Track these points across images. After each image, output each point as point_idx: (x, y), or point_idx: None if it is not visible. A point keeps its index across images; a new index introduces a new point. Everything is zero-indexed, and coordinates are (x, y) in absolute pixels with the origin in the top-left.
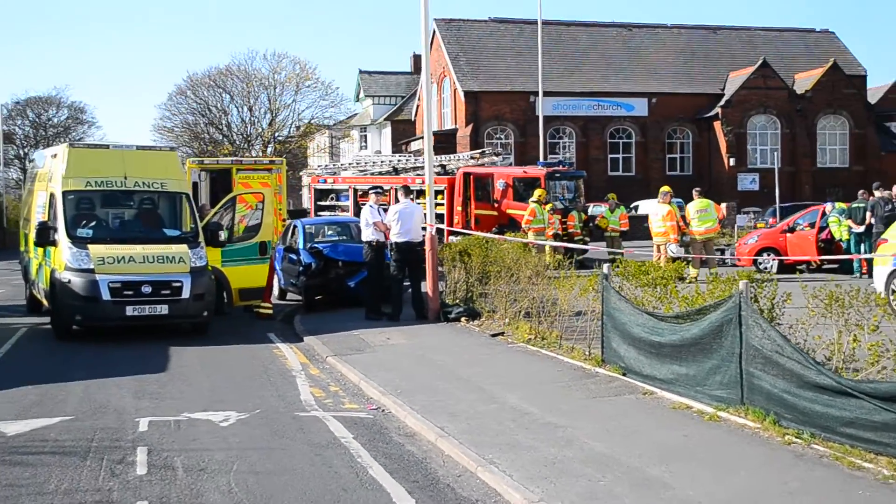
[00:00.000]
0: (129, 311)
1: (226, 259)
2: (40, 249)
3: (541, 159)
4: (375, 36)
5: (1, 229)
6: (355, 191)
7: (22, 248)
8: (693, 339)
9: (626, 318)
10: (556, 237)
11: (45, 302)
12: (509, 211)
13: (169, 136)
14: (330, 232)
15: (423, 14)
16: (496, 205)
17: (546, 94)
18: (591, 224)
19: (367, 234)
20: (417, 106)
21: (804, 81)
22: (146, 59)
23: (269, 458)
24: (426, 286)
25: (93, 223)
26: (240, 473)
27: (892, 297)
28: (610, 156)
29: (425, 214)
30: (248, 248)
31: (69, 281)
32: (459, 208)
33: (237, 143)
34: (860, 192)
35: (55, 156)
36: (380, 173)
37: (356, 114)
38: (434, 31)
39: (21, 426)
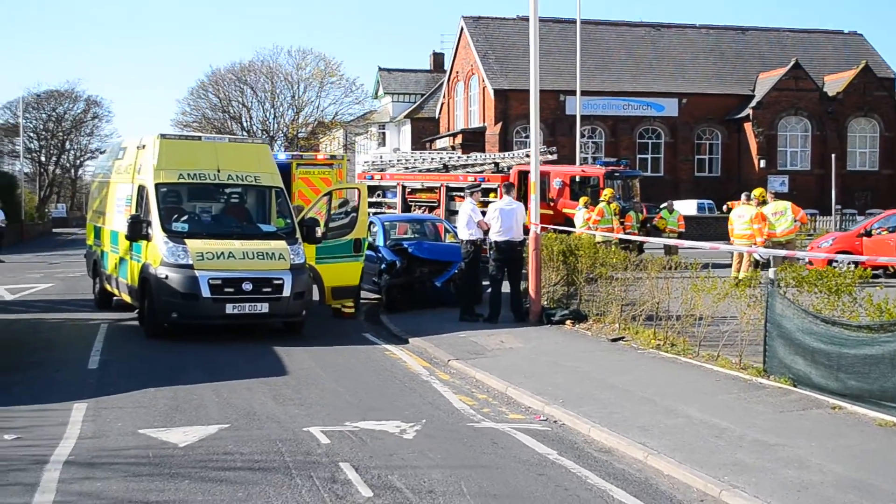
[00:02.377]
0: (230, 308)
1: (319, 256)
2: (123, 244)
3: (578, 159)
4: (395, 34)
5: (20, 222)
6: (404, 188)
7: (89, 242)
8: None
9: (797, 326)
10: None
11: (126, 298)
12: (566, 210)
13: (188, 130)
14: (408, 229)
15: None
16: (552, 204)
17: (575, 93)
18: (648, 224)
19: (467, 233)
20: (442, 104)
21: (834, 83)
22: (163, 55)
23: (490, 477)
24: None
25: (186, 217)
26: (478, 497)
27: None
28: (639, 156)
29: (528, 213)
30: (343, 245)
31: (166, 277)
32: None
33: (260, 138)
34: None
35: (142, 146)
36: (428, 170)
37: (374, 111)
38: (462, 29)
39: (182, 435)
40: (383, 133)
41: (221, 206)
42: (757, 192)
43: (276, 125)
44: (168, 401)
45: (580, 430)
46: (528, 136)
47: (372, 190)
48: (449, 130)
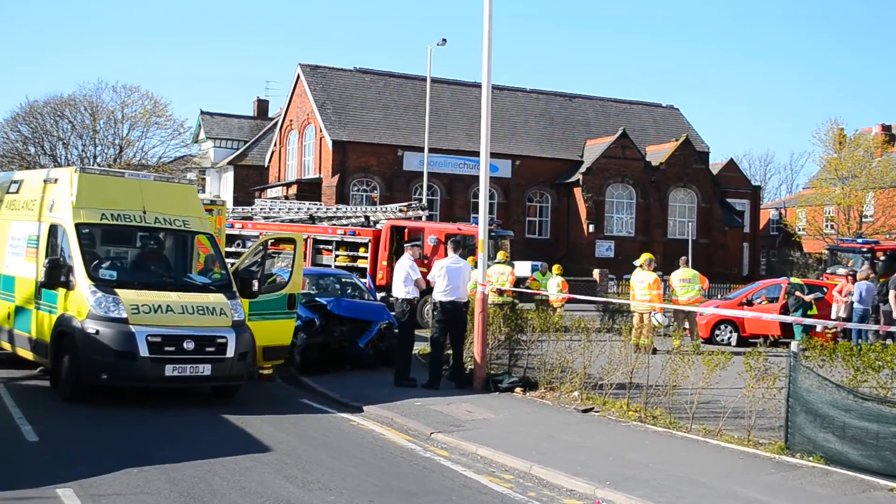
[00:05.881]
0: (169, 370)
1: (251, 312)
2: (24, 290)
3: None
4: (217, 78)
5: None
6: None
7: None
8: None
9: (828, 401)
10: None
11: (26, 354)
12: None
13: None
14: (322, 284)
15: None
16: (426, 261)
17: (413, 149)
18: (521, 285)
19: (403, 291)
20: (273, 152)
21: (656, 154)
22: None
23: None
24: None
25: (112, 263)
26: None
27: None
28: (472, 215)
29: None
30: (276, 300)
31: (97, 332)
32: (385, 263)
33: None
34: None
35: (53, 180)
36: (292, 221)
37: (193, 155)
38: (298, 76)
39: None
40: (204, 179)
41: (148, 253)
42: (645, 256)
43: (95, 164)
44: (169, 486)
45: None
46: (366, 189)
47: (231, 239)
48: (281, 180)
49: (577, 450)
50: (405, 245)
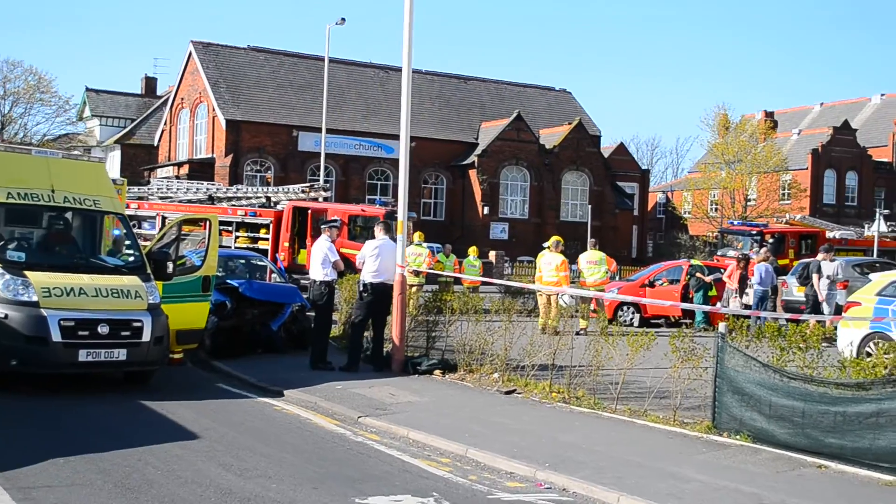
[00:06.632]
0: (83, 356)
1: (165, 295)
2: None
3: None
4: (104, 54)
5: None
6: (163, 219)
7: None
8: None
9: (756, 381)
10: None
11: None
12: (343, 250)
13: None
14: (231, 266)
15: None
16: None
17: (308, 129)
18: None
19: (321, 272)
20: (164, 131)
21: (550, 137)
22: None
23: None
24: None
25: (20, 244)
26: None
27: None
28: (368, 196)
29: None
30: (190, 283)
31: (5, 316)
32: (287, 244)
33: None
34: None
35: None
36: (190, 201)
37: (78, 133)
38: (190, 54)
39: None
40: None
41: (57, 233)
42: (554, 239)
43: None
44: (101, 476)
45: (605, 500)
46: (260, 170)
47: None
48: (171, 159)
49: (509, 432)
50: (322, 226)
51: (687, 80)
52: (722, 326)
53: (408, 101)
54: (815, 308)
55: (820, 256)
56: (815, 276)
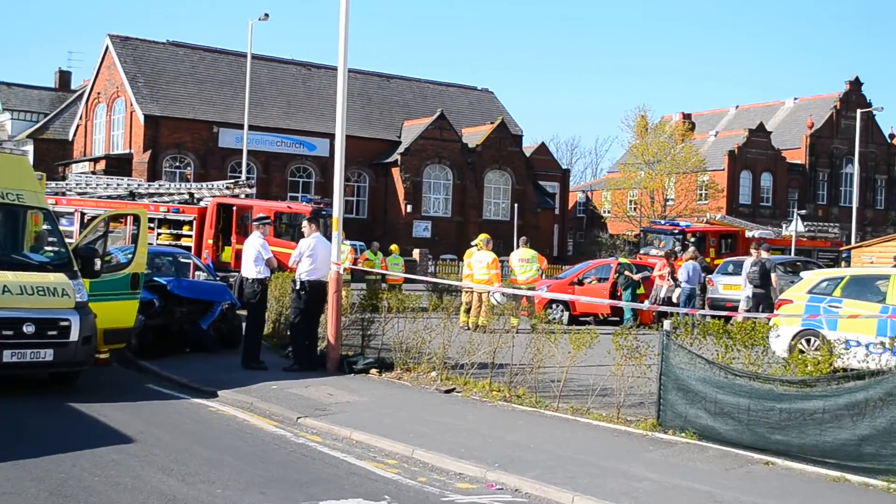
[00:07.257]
0: (7, 356)
1: (92, 292)
2: None
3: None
4: (16, 46)
5: None
6: (82, 215)
7: None
8: (844, 405)
9: (700, 378)
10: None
11: None
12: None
13: None
14: (157, 263)
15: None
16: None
17: (228, 125)
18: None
19: (254, 270)
20: (79, 126)
21: (472, 136)
22: None
23: None
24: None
25: None
26: None
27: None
28: (290, 194)
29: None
30: (118, 280)
31: None
32: (210, 241)
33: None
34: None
35: None
36: (110, 197)
37: None
38: (107, 47)
39: None
40: None
41: None
42: (483, 236)
43: None
44: (35, 484)
45: (563, 501)
46: (180, 166)
47: None
48: (87, 154)
49: (453, 432)
50: (253, 223)
51: (606, 82)
52: (667, 324)
53: (344, 100)
54: (769, 307)
55: (764, 255)
56: (773, 276)
